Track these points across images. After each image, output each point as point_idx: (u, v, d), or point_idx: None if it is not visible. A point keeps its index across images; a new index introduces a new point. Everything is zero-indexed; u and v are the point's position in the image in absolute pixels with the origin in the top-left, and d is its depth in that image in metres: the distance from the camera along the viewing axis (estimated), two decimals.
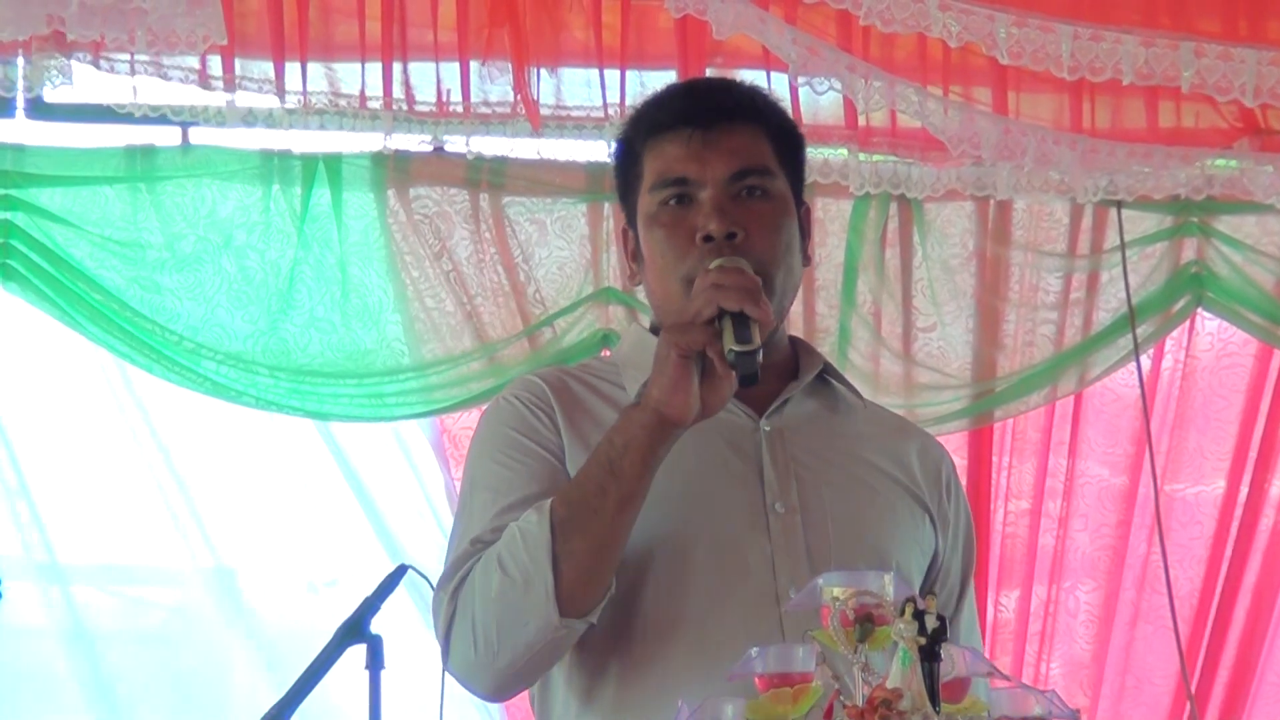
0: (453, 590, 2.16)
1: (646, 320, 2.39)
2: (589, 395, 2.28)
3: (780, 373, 2.28)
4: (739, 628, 2.11)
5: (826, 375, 2.34)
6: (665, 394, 2.06)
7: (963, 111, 4.20)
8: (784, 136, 2.30)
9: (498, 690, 2.20)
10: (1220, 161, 4.43)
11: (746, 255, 2.17)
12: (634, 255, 2.32)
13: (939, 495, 2.32)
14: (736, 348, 2.04)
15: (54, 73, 4.02)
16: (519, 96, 4.13)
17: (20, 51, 4.02)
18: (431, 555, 4.19)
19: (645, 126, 2.29)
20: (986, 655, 2.42)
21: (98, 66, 4.02)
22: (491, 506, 2.19)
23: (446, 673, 2.20)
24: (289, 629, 4.29)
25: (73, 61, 4.02)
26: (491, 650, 2.11)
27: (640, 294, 4.20)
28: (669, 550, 2.16)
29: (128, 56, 4.01)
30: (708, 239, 2.17)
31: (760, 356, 2.05)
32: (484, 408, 4.19)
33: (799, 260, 2.28)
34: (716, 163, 2.22)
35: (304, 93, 4.10)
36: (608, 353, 4.19)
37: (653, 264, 2.25)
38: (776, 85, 4.12)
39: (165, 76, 4.04)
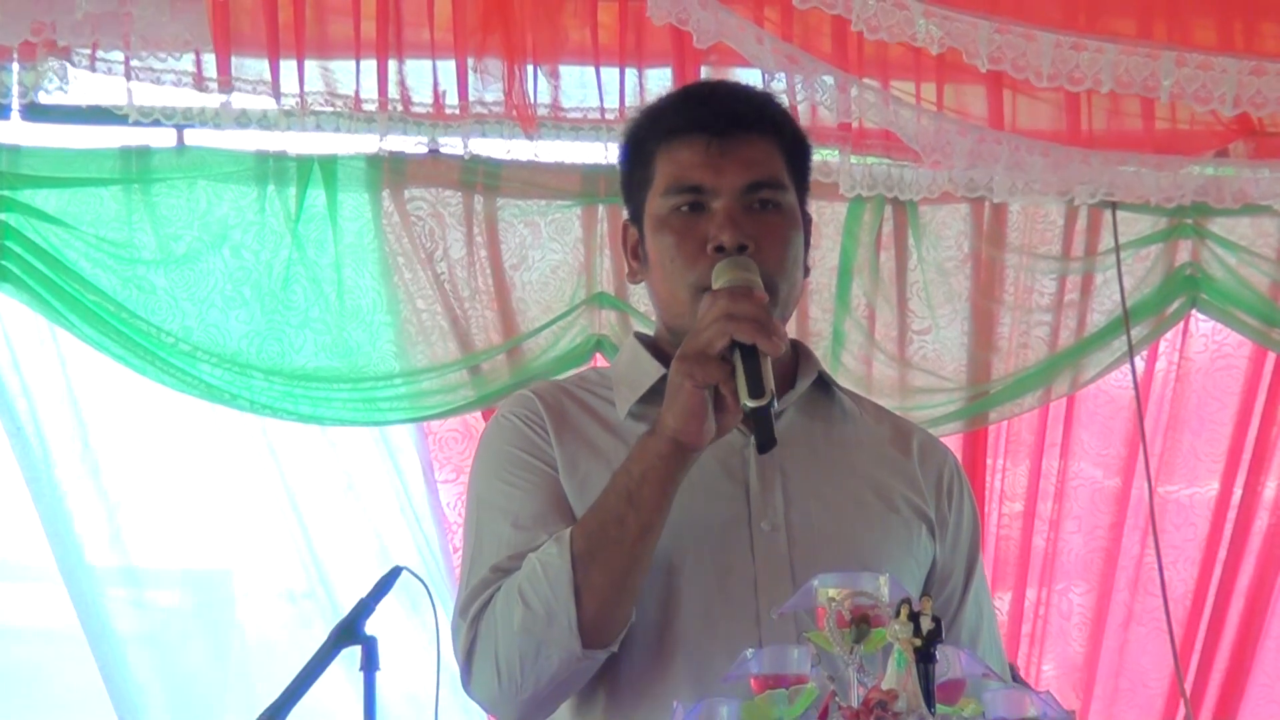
0: (473, 618, 2.16)
1: (636, 326, 2.39)
2: (579, 411, 2.28)
3: (778, 383, 2.27)
4: (721, 649, 2.10)
5: (823, 381, 2.34)
6: (680, 422, 2.06)
7: (935, 119, 4.20)
8: (795, 149, 2.30)
9: (521, 719, 2.21)
10: (1210, 169, 4.44)
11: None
12: (635, 252, 2.31)
13: (938, 499, 2.31)
14: (750, 403, 2.04)
15: (50, 76, 4.01)
16: (510, 98, 4.13)
17: (15, 55, 4.02)
18: (420, 557, 4.20)
19: (661, 128, 2.27)
20: (1002, 646, 2.42)
21: (93, 69, 4.02)
22: (504, 528, 2.19)
23: (469, 698, 2.21)
24: (283, 631, 4.29)
25: (68, 65, 4.02)
26: (515, 683, 2.12)
27: (634, 298, 4.21)
28: (656, 572, 2.15)
29: (123, 59, 4.00)
30: (719, 249, 2.17)
31: (775, 405, 2.05)
32: (474, 413, 4.25)
33: (802, 272, 2.28)
34: (732, 173, 2.21)
35: (300, 93, 4.09)
36: (598, 361, 4.20)
37: (660, 268, 2.24)
38: (774, 86, 4.12)
39: (159, 80, 4.03)
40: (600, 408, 2.28)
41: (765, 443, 2.06)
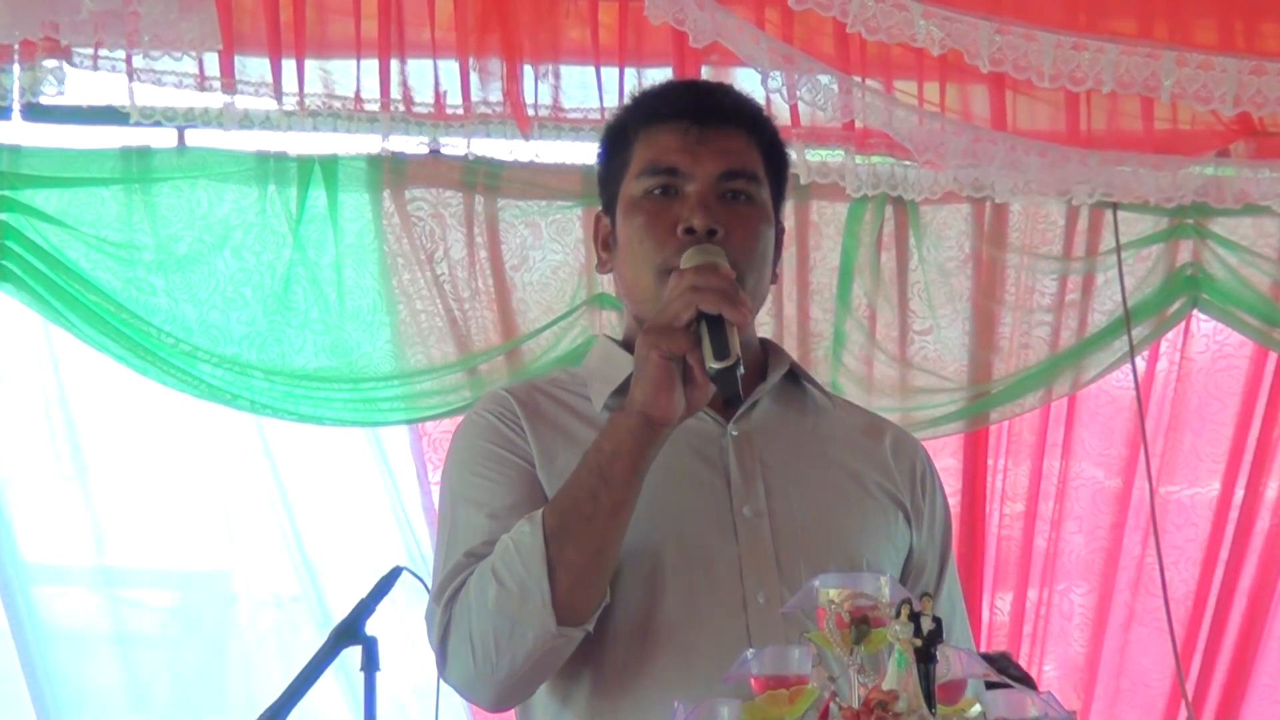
0: (446, 602, 2.15)
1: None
2: (554, 407, 2.28)
3: (749, 377, 2.27)
4: (707, 635, 2.11)
5: (795, 375, 2.34)
6: (649, 396, 2.06)
7: (931, 119, 4.20)
8: (773, 153, 2.31)
9: (497, 702, 2.20)
10: (1210, 169, 4.44)
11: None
12: (605, 243, 2.32)
13: (912, 489, 2.31)
14: (716, 365, 2.05)
15: (50, 77, 4.01)
16: (509, 99, 4.12)
17: (16, 55, 4.02)
18: (412, 558, 4.19)
19: (641, 114, 2.29)
20: (974, 641, 2.42)
21: (95, 69, 4.02)
22: (478, 518, 2.19)
23: (443, 682, 2.20)
24: (275, 632, 4.28)
25: (68, 65, 4.02)
26: (490, 662, 2.11)
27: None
28: (639, 560, 2.15)
29: (124, 58, 4.00)
30: (689, 231, 2.18)
31: (741, 369, 2.06)
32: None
33: (770, 271, 2.29)
34: (708, 159, 2.22)
35: (300, 94, 4.09)
36: None
37: (628, 250, 2.25)
38: (770, 85, 4.12)
39: (160, 81, 4.03)
40: (575, 403, 2.28)
41: (731, 398, 2.07)
